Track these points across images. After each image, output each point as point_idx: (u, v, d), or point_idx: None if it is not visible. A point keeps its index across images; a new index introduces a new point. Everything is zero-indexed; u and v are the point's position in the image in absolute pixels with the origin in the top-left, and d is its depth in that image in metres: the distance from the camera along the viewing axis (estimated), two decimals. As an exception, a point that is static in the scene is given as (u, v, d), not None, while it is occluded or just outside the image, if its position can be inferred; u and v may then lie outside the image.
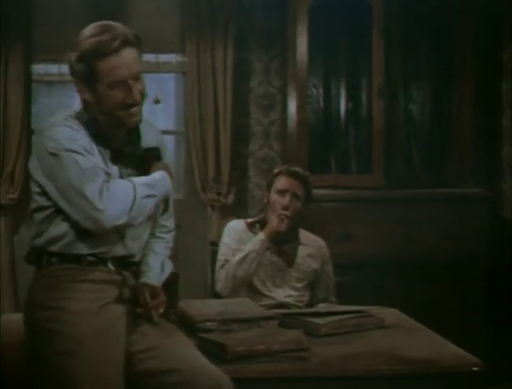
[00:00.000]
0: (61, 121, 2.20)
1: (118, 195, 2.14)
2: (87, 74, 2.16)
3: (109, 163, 2.23)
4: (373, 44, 4.27)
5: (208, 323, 2.54)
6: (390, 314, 2.91)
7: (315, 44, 4.29)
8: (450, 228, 4.25)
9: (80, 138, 2.17)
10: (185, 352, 2.19)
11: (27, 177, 4.58)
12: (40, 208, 2.23)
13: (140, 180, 2.21)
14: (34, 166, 2.23)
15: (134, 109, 2.19)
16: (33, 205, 2.25)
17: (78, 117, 2.23)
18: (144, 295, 2.24)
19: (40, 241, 2.23)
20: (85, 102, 2.23)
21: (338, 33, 4.39)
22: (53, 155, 2.14)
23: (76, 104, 2.27)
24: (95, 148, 2.21)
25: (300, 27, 4.26)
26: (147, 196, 2.19)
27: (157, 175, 2.24)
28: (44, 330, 2.15)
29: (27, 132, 4.59)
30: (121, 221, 2.14)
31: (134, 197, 2.15)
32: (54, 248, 2.20)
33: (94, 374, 2.08)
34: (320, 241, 3.44)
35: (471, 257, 4.23)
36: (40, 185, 2.22)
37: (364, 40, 4.31)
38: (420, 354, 2.43)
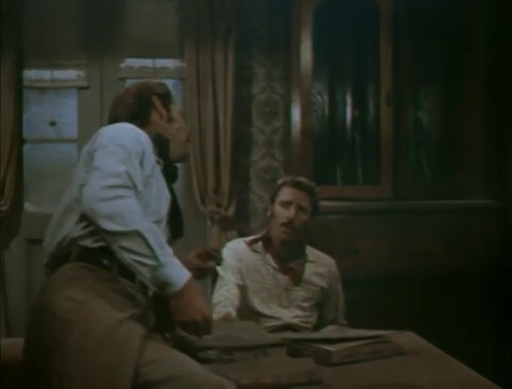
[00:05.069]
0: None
1: None
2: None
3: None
4: (381, 48, 4.17)
5: (209, 352, 2.36)
6: (406, 339, 2.74)
7: (320, 50, 4.22)
8: (460, 239, 4.19)
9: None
10: (186, 361, 2.13)
11: (19, 188, 4.52)
12: None
13: None
14: None
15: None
16: None
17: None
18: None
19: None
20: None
21: (344, 38, 4.32)
22: None
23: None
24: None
25: (305, 31, 4.20)
26: None
27: None
28: (61, 319, 2.07)
29: (19, 141, 4.46)
30: None
31: None
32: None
33: (106, 377, 2.01)
34: (329, 259, 3.33)
35: (480, 269, 4.15)
36: None
37: (372, 44, 4.21)
38: (442, 385, 2.25)
